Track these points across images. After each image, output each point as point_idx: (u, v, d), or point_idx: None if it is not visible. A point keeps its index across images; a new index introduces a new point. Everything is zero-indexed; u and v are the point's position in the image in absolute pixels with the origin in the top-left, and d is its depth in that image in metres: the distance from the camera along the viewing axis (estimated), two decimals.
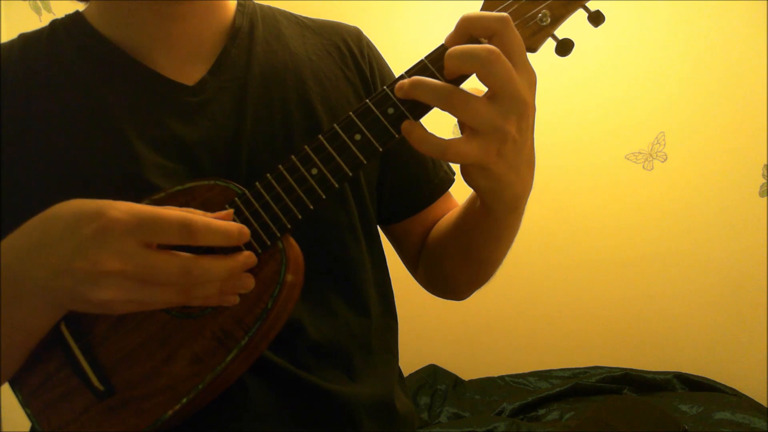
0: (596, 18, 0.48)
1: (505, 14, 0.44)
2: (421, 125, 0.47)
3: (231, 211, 0.50)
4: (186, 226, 0.45)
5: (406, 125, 0.47)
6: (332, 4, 2.21)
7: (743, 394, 1.91)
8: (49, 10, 1.64)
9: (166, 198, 0.53)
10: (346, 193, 0.65)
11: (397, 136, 0.48)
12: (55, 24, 0.64)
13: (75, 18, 0.64)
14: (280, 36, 0.68)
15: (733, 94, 2.09)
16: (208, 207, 0.50)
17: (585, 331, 2.26)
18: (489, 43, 0.45)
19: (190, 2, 0.61)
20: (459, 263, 0.69)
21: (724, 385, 1.96)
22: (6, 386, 0.55)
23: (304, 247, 0.53)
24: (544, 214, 2.25)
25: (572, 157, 2.24)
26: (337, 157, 0.49)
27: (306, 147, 0.50)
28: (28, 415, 0.54)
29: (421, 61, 0.48)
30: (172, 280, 0.45)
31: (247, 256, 0.49)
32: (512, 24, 0.44)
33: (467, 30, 0.46)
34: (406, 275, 0.83)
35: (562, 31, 0.49)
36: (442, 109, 0.45)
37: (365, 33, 0.75)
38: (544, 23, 0.48)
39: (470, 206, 0.61)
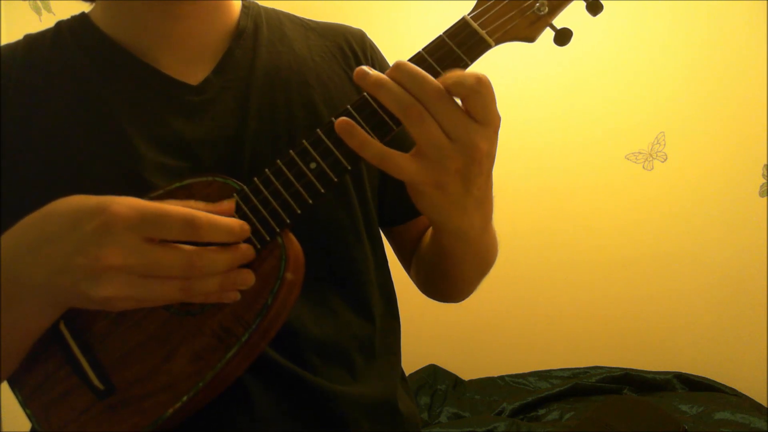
0: (594, 7, 0.48)
1: (477, 77, 0.44)
2: (361, 129, 0.47)
3: (233, 200, 0.50)
4: (190, 223, 0.44)
5: (343, 123, 0.46)
6: (334, 5, 2.21)
7: (743, 394, 1.92)
8: (49, 10, 1.64)
9: (164, 195, 0.52)
10: (349, 195, 0.64)
11: (395, 128, 0.48)
12: (60, 25, 0.64)
13: (80, 19, 0.64)
14: (284, 38, 0.68)
15: (733, 94, 2.09)
16: (211, 202, 0.50)
17: (585, 331, 2.26)
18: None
19: (195, 2, 0.61)
20: (437, 276, 0.70)
21: (724, 385, 1.96)
22: (6, 386, 0.55)
23: (307, 249, 0.53)
24: (544, 214, 2.26)
25: (572, 157, 2.24)
26: (335, 150, 0.48)
27: (304, 141, 0.49)
28: (28, 416, 0.53)
29: (419, 53, 0.48)
30: (175, 273, 0.44)
31: (246, 248, 0.49)
32: (485, 86, 0.44)
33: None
34: (406, 275, 0.83)
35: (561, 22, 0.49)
36: (398, 116, 0.45)
37: (368, 34, 0.75)
38: (542, 12, 0.48)
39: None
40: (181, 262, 0.44)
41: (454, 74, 0.44)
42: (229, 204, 0.50)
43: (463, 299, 0.74)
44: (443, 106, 0.44)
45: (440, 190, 0.47)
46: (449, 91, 0.45)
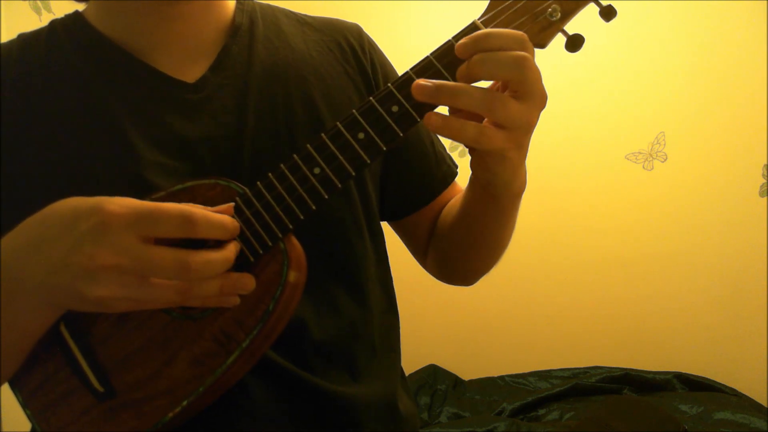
0: (608, 13, 0.47)
1: (522, 34, 0.46)
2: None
3: (231, 204, 0.49)
4: (186, 218, 0.44)
5: (429, 116, 0.47)
6: (334, 5, 2.20)
7: (743, 394, 1.91)
8: (49, 10, 1.64)
9: (166, 197, 0.52)
10: (351, 192, 0.64)
11: (401, 134, 0.47)
12: (54, 24, 0.64)
13: (74, 17, 0.64)
14: (280, 33, 0.68)
15: (733, 94, 2.09)
16: (210, 206, 0.50)
17: (585, 331, 2.26)
18: None
19: (190, 2, 0.61)
20: (468, 249, 0.71)
21: (724, 385, 1.96)
22: (6, 386, 0.55)
23: (309, 245, 0.52)
24: (545, 214, 2.25)
25: (572, 157, 2.23)
26: (339, 156, 0.48)
27: (308, 146, 0.49)
28: (28, 416, 0.53)
29: (427, 57, 0.48)
30: (169, 274, 0.44)
31: (235, 244, 0.49)
32: (528, 41, 0.46)
33: (485, 46, 0.46)
34: (406, 274, 0.83)
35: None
36: (481, 113, 0.46)
37: (366, 31, 0.75)
38: (554, 18, 0.47)
39: (472, 196, 0.63)
40: (175, 263, 0.43)
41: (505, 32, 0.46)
42: (226, 207, 0.49)
43: (481, 276, 0.75)
44: (521, 71, 0.45)
45: (520, 150, 0.50)
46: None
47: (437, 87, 0.46)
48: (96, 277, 0.43)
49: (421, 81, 0.46)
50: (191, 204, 0.48)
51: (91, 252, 0.43)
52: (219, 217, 0.47)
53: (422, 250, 0.79)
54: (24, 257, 0.46)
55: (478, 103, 0.45)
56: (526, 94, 0.46)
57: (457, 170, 0.78)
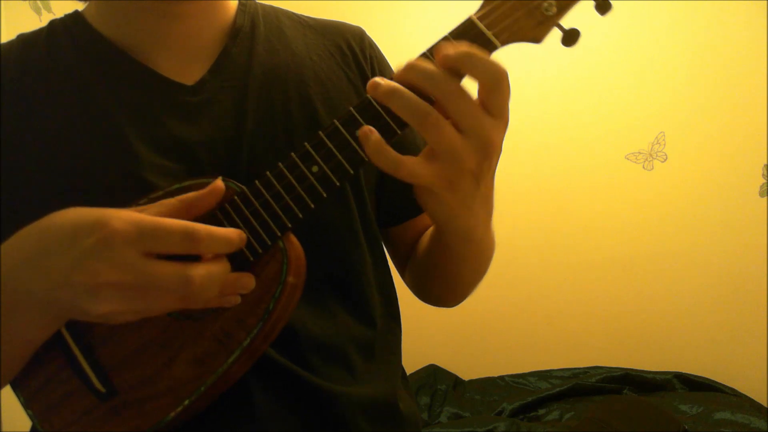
0: (603, 6, 0.47)
1: (502, 70, 0.43)
2: (378, 136, 0.46)
3: (218, 179, 0.50)
4: (189, 236, 0.44)
5: (364, 131, 0.46)
6: (334, 5, 2.21)
7: (743, 394, 1.91)
8: (49, 10, 1.64)
9: (164, 196, 0.52)
10: (347, 196, 0.64)
11: (399, 131, 0.47)
12: (54, 24, 0.64)
13: (74, 18, 0.64)
14: (281, 36, 0.68)
15: (733, 94, 2.09)
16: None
17: (585, 331, 2.26)
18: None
19: (191, 1, 0.61)
20: (435, 278, 0.70)
21: (724, 385, 1.96)
22: (6, 386, 0.55)
23: (306, 250, 0.52)
24: (545, 213, 2.26)
25: (572, 157, 2.24)
26: (337, 154, 0.48)
27: (306, 144, 0.49)
28: (30, 416, 0.54)
29: (424, 54, 0.48)
30: (172, 289, 0.44)
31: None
32: (506, 80, 0.43)
33: (461, 68, 0.44)
34: None
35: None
36: (412, 125, 0.44)
37: (367, 33, 0.75)
38: (550, 13, 0.47)
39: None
40: (178, 279, 0.43)
41: (476, 56, 0.43)
42: (216, 184, 0.49)
43: (458, 303, 0.74)
44: (461, 104, 0.43)
45: (452, 191, 0.46)
46: (465, 70, 0.43)
47: (388, 90, 0.44)
48: (99, 294, 0.43)
49: (376, 78, 0.45)
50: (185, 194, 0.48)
51: (93, 269, 0.42)
52: (222, 231, 0.46)
53: (403, 266, 0.79)
54: (25, 271, 0.46)
55: (410, 113, 0.43)
56: (461, 129, 0.44)
57: None
